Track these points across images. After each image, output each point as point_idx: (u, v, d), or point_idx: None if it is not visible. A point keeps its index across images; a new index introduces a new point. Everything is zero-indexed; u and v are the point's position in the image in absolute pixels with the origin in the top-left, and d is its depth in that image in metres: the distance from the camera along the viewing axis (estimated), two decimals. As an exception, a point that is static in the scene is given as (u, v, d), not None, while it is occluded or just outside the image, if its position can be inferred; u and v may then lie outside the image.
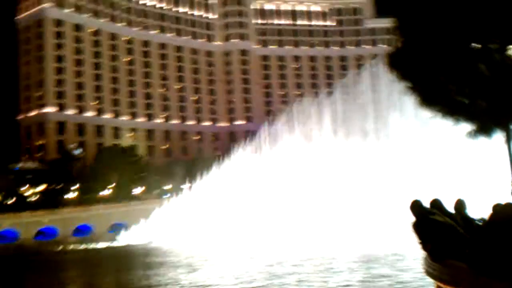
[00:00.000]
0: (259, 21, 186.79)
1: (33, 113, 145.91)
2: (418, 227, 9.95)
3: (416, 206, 9.99)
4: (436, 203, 10.12)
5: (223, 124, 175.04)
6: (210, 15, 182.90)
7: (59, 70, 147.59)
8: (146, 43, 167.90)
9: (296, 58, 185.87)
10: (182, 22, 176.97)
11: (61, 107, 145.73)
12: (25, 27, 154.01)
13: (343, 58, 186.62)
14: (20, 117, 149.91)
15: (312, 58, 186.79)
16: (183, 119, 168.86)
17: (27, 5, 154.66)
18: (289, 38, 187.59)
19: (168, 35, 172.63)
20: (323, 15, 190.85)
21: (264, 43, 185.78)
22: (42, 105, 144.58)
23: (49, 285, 32.98)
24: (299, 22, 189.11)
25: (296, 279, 25.04)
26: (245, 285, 24.53)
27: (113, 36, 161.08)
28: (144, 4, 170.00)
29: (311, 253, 34.46)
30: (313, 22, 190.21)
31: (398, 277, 22.81)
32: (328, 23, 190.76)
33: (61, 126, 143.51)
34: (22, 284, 35.96)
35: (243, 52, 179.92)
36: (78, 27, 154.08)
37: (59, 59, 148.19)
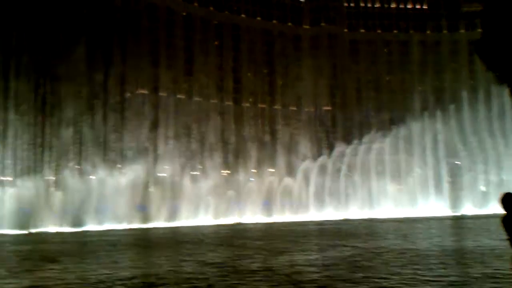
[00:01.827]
0: (350, 4, 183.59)
1: (128, 95, 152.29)
2: (508, 222, 9.17)
3: (508, 199, 9.21)
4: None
5: (308, 109, 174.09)
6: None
7: (152, 53, 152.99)
8: (235, 27, 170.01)
9: (387, 43, 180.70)
10: (270, 6, 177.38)
11: (155, 90, 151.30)
12: (122, 11, 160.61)
13: (437, 43, 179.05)
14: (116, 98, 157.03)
15: (404, 43, 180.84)
16: (271, 103, 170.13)
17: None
18: (380, 21, 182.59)
19: (257, 19, 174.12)
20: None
21: (354, 27, 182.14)
22: (137, 87, 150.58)
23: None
24: (392, 5, 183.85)
25: None
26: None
27: (203, 20, 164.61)
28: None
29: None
30: (407, 6, 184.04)
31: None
32: (422, 6, 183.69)
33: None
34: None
35: (332, 36, 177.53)
36: (170, 11, 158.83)
37: (153, 42, 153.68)
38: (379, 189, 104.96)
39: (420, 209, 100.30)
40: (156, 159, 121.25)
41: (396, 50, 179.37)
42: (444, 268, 24.86)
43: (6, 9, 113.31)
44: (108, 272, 26.32)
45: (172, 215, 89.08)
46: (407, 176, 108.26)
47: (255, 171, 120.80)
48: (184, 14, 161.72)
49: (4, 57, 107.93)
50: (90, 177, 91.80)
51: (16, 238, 60.60)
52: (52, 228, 73.86)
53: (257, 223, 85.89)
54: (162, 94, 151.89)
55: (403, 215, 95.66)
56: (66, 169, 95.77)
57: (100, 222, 77.74)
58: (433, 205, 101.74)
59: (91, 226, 76.53)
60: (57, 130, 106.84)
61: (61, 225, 75.73)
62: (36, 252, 41.73)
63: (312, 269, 25.86)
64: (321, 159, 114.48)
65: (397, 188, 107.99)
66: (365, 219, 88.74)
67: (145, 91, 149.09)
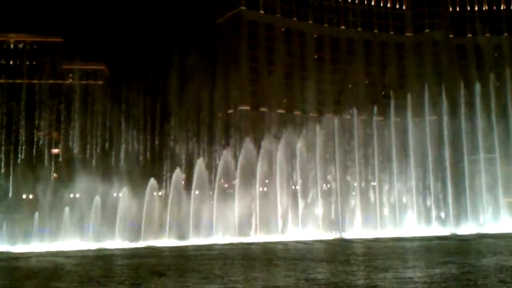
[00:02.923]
0: (456, 9, 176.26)
1: (230, 111, 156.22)
2: None
3: None
4: None
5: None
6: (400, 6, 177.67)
7: (253, 70, 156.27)
8: (334, 39, 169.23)
9: (497, 47, 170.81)
10: (371, 15, 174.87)
11: (255, 106, 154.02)
12: (224, 29, 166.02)
13: None
14: (219, 114, 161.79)
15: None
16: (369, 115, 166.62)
17: (226, 9, 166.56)
18: (487, 25, 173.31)
19: (358, 29, 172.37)
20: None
21: (460, 32, 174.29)
22: (238, 104, 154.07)
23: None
24: (502, 7, 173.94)
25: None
26: None
27: (302, 34, 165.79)
28: (332, 0, 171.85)
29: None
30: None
31: None
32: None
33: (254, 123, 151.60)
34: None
35: (436, 43, 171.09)
36: (269, 27, 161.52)
37: (253, 59, 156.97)
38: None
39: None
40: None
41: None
42: None
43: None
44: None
45: (273, 230, 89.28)
46: None
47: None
48: (283, 29, 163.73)
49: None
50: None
51: (127, 252, 63.51)
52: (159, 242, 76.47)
53: (361, 239, 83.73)
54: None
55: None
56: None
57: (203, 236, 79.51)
58: None
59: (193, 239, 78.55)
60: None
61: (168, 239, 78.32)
62: (148, 266, 43.38)
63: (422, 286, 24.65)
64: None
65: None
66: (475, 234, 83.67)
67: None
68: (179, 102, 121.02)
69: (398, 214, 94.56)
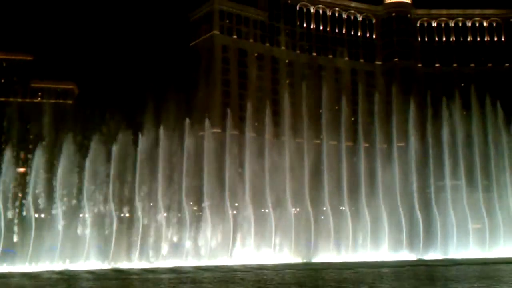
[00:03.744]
0: (424, 39, 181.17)
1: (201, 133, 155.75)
2: None
3: None
4: None
5: (381, 146, 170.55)
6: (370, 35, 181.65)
7: (226, 93, 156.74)
8: (305, 65, 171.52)
9: (463, 76, 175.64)
10: (342, 43, 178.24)
11: (223, 129, 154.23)
12: (197, 53, 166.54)
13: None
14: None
15: (481, 76, 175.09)
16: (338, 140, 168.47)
17: (200, 32, 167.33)
18: (456, 55, 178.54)
19: (329, 57, 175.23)
20: (493, 30, 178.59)
21: (428, 62, 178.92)
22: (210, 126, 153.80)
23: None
24: (468, 39, 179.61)
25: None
26: None
27: (274, 59, 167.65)
28: (305, 27, 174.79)
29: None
30: (484, 38, 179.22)
31: None
32: (500, 38, 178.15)
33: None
34: None
35: (405, 71, 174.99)
36: (242, 52, 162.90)
37: (226, 82, 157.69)
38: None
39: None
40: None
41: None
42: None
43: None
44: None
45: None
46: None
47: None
48: (255, 54, 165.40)
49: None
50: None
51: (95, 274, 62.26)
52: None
53: (328, 263, 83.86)
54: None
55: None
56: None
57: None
58: None
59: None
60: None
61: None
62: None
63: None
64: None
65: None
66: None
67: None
68: (151, 123, 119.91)
69: (369, 239, 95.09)
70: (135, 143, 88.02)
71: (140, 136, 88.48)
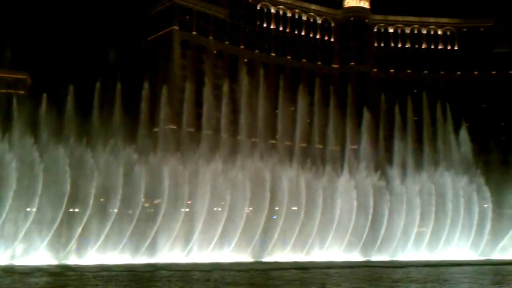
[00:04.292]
0: (380, 45, 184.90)
1: (155, 130, 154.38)
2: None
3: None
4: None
5: (334, 148, 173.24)
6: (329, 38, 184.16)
7: (183, 90, 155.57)
8: (264, 65, 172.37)
9: (416, 83, 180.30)
10: (300, 44, 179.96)
11: (179, 126, 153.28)
12: (155, 47, 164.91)
13: (466, 83, 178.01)
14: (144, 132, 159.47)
15: (434, 83, 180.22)
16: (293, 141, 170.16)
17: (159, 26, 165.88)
18: (410, 62, 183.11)
19: (287, 57, 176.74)
20: (447, 38, 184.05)
21: (383, 67, 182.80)
22: (165, 122, 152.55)
23: None
24: (423, 46, 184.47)
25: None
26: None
27: (234, 57, 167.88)
28: (264, 27, 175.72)
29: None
30: (438, 46, 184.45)
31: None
32: (453, 47, 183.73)
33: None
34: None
35: (361, 76, 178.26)
36: (201, 48, 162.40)
37: (183, 78, 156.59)
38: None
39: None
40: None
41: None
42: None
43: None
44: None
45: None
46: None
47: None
48: (215, 51, 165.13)
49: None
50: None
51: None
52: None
53: (277, 262, 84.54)
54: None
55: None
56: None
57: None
58: None
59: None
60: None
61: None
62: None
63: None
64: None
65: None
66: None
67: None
68: (104, 116, 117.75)
69: (319, 240, 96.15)
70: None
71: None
